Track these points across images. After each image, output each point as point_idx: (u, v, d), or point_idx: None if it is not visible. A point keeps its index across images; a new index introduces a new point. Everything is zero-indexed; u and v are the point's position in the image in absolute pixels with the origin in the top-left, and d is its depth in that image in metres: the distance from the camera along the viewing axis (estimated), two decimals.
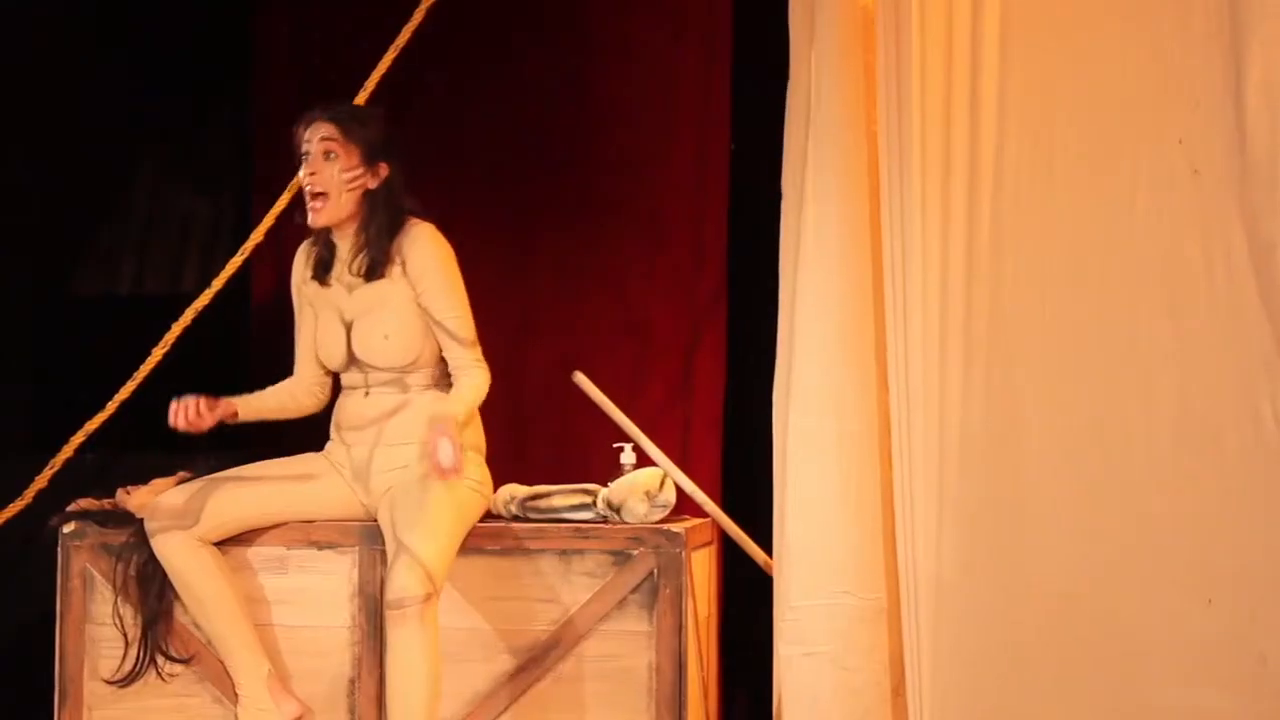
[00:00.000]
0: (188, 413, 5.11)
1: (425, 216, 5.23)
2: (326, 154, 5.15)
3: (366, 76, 5.67)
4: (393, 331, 5.16)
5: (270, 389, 5.36)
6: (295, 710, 5.17)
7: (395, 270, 5.17)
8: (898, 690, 5.15)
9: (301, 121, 5.23)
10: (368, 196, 5.19)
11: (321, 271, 5.26)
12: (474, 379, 5.16)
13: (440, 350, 5.19)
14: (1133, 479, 4.88)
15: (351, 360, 5.21)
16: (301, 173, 5.19)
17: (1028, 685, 4.95)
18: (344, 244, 5.23)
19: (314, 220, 5.18)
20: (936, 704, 5.02)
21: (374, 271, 5.17)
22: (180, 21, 6.31)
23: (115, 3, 6.25)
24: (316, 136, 5.16)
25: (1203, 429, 4.82)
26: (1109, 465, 4.90)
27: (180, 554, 5.13)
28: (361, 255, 5.18)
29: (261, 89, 6.30)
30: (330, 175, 5.14)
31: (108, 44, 6.26)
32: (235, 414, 5.24)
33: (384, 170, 5.19)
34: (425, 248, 5.16)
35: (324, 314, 5.27)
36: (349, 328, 5.21)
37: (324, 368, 5.34)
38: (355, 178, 5.16)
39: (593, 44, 6.03)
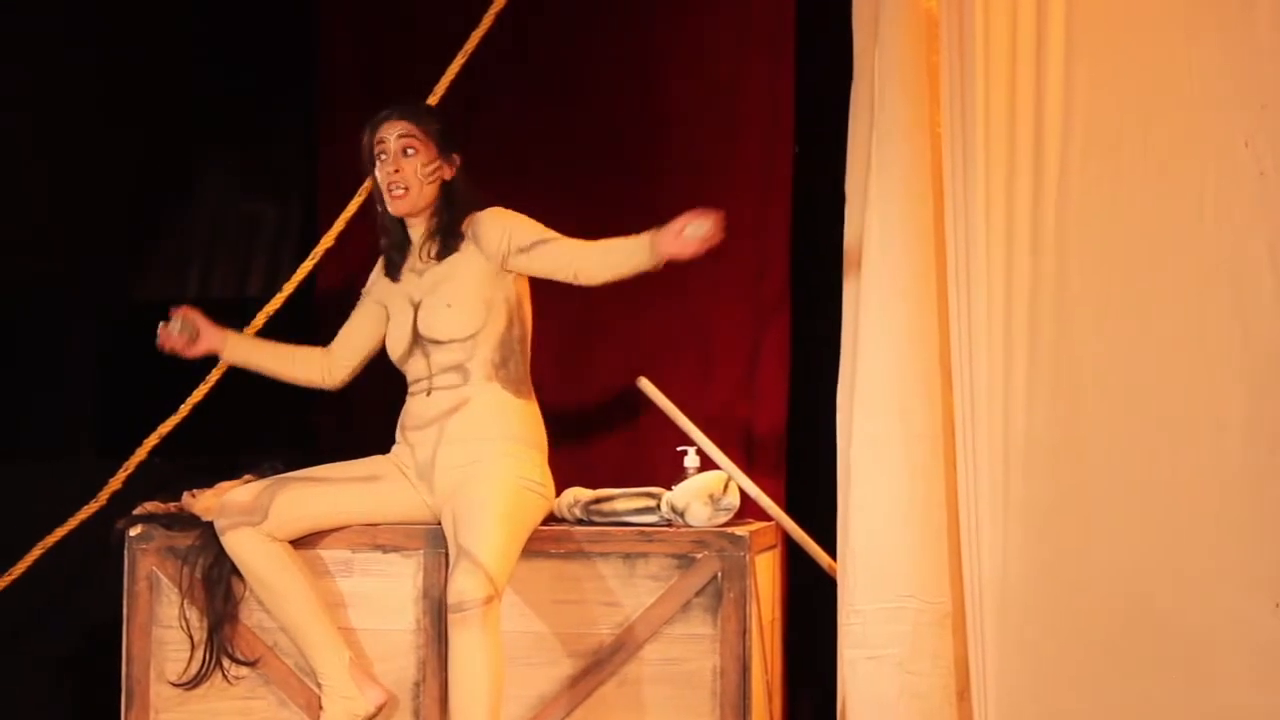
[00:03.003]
0: (171, 340, 5.41)
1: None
2: (405, 150, 5.25)
3: (431, 79, 5.71)
4: (456, 300, 5.20)
5: (285, 346, 5.47)
6: (380, 696, 5.18)
7: (466, 245, 5.24)
8: (963, 694, 5.14)
9: (372, 123, 5.30)
10: (444, 186, 5.29)
11: (394, 271, 5.33)
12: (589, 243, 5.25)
13: (502, 335, 5.21)
14: (1199, 481, 4.86)
15: (415, 341, 5.23)
16: (379, 171, 5.27)
17: (1094, 689, 4.93)
18: (418, 232, 5.31)
19: (395, 208, 5.27)
20: (1002, 708, 5.00)
21: (446, 251, 5.24)
22: (245, 24, 6.33)
23: (179, 6, 6.27)
24: (393, 135, 5.25)
25: (1270, 429, 4.80)
26: (1175, 467, 4.88)
27: (251, 549, 5.15)
28: (434, 238, 5.26)
29: (327, 92, 6.32)
30: (412, 171, 5.24)
31: (172, 47, 6.28)
32: (221, 350, 5.45)
33: (457, 160, 5.31)
34: (497, 214, 5.26)
35: (395, 305, 5.31)
36: (417, 308, 5.24)
37: (356, 357, 5.41)
38: (434, 170, 5.26)
39: (657, 47, 6.02)
